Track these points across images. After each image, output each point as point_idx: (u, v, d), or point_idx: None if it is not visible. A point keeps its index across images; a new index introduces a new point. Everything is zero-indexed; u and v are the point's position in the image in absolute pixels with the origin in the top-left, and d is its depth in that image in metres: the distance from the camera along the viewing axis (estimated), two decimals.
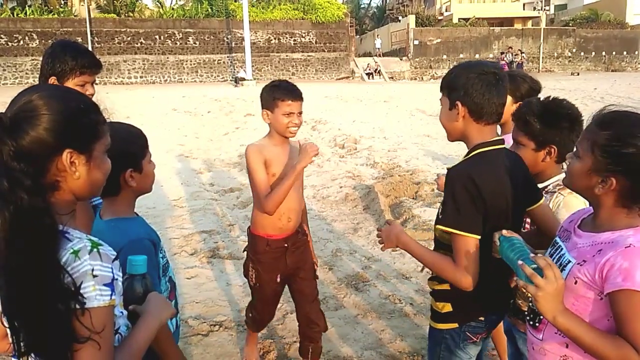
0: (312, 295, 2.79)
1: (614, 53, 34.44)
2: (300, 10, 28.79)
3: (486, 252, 1.63)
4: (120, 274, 1.17)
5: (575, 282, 1.36)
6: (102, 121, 1.26)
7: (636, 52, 35.09)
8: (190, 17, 27.85)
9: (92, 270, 1.08)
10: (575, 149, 1.43)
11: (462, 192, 1.62)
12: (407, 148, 9.64)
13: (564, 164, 2.01)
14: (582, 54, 34.24)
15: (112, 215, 1.64)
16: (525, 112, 1.98)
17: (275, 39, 28.44)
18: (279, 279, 2.70)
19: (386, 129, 11.68)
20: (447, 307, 1.80)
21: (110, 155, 1.32)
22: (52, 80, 2.21)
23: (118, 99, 16.90)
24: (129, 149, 1.59)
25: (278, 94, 2.50)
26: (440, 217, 1.75)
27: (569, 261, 1.41)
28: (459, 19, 37.37)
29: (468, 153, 1.73)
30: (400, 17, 38.55)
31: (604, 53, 34.40)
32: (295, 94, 2.52)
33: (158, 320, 1.29)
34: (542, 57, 33.30)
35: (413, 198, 6.40)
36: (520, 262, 1.32)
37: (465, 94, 1.67)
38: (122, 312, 1.21)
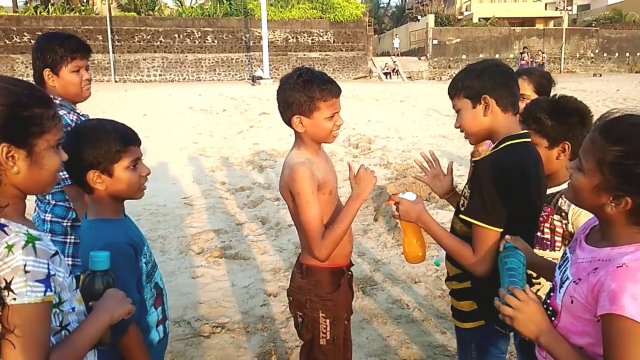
0: (351, 342, 2.19)
1: (638, 54, 33.66)
2: (318, 9, 28.74)
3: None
4: (62, 270, 1.17)
5: (572, 302, 1.27)
6: (50, 116, 1.20)
7: None
8: (209, 16, 28.01)
9: (25, 265, 1.06)
10: (578, 160, 1.29)
11: (490, 184, 1.61)
12: (421, 149, 9.45)
13: None
14: (605, 54, 33.56)
15: (95, 215, 1.60)
16: (535, 109, 1.93)
17: (293, 38, 28.44)
18: (345, 321, 2.08)
19: (401, 129, 11.54)
20: (472, 305, 1.79)
21: (72, 153, 1.36)
22: (47, 72, 2.18)
23: (135, 97, 17.06)
24: (94, 150, 1.52)
25: (317, 92, 1.85)
26: (463, 207, 1.75)
27: (568, 277, 1.32)
28: (479, 18, 36.95)
29: (497, 145, 1.70)
30: (419, 17, 38.27)
31: (627, 54, 33.66)
32: (337, 89, 1.92)
33: (109, 315, 1.28)
34: (564, 58, 32.72)
35: (426, 200, 6.27)
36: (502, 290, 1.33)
37: (492, 86, 1.67)
38: (73, 308, 1.21)
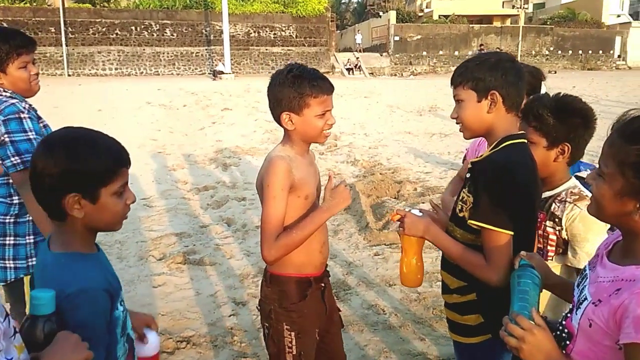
0: (343, 355, 2.11)
1: (590, 52, 34.91)
2: (280, 3, 28.37)
3: (516, 249, 1.51)
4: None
5: (590, 325, 1.13)
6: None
7: (611, 52, 35.63)
8: (168, 8, 27.19)
9: None
10: (598, 167, 1.18)
11: (496, 184, 1.51)
12: (388, 145, 9.42)
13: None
14: (560, 52, 34.61)
15: (62, 247, 1.29)
16: (537, 105, 1.79)
17: (254, 32, 27.98)
18: (317, 336, 1.94)
19: (367, 125, 11.45)
20: (478, 319, 1.66)
21: (51, 169, 1.20)
22: None
23: (90, 91, 16.34)
24: (83, 168, 1.23)
25: (307, 88, 1.74)
26: (462, 213, 1.63)
27: (586, 298, 1.17)
28: (439, 15, 37.45)
29: (496, 145, 1.59)
30: (381, 13, 38.44)
31: (580, 52, 34.83)
32: (329, 85, 1.80)
33: None
34: (521, 55, 33.52)
35: (395, 198, 6.16)
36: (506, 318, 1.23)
37: (503, 83, 1.56)
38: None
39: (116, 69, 26.30)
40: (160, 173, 7.66)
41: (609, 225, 1.77)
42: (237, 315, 3.42)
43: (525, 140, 1.63)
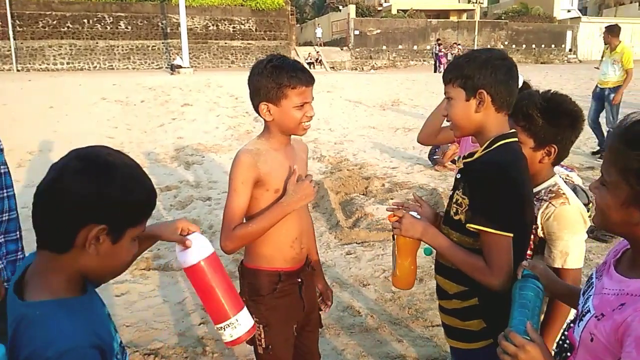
0: (317, 355, 2.11)
1: (543, 46, 35.99)
2: None
3: (517, 252, 1.49)
4: None
5: (592, 339, 1.07)
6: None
7: (563, 46, 36.85)
8: (122, 1, 26.24)
9: None
10: (600, 176, 1.13)
11: (494, 186, 1.46)
12: (353, 140, 9.36)
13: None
14: (514, 46, 35.51)
15: (42, 292, 1.04)
16: (527, 105, 1.72)
17: (213, 25, 27.41)
18: (295, 332, 1.93)
19: (331, 120, 11.35)
20: (481, 324, 1.60)
21: (85, 192, 1.01)
22: None
23: (40, 87, 15.57)
24: (119, 197, 1.05)
25: (285, 79, 1.73)
26: (458, 215, 1.57)
27: (589, 310, 1.12)
28: (397, 10, 37.74)
29: (489, 145, 1.53)
30: (340, 7, 38.40)
31: (534, 46, 35.86)
32: (308, 77, 1.78)
33: None
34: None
35: (364, 194, 6.11)
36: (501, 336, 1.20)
37: (492, 82, 1.49)
38: None
39: (68, 63, 25.25)
40: None
41: (587, 224, 1.74)
42: (208, 324, 3.26)
43: (517, 139, 1.58)
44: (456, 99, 1.55)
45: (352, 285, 3.83)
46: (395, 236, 1.66)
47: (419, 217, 1.66)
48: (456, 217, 1.58)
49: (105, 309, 1.19)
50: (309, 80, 1.78)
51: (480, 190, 1.49)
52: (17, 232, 1.89)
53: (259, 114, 1.80)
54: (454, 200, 1.60)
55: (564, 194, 1.72)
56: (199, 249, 1.34)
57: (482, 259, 1.50)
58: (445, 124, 2.46)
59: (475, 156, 1.56)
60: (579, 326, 1.15)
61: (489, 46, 34.76)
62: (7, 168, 1.90)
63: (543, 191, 1.76)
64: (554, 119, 1.70)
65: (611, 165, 1.09)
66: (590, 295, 1.15)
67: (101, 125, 10.60)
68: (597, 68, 8.37)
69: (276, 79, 1.73)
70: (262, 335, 1.83)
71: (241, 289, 1.88)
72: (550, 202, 1.71)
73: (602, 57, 7.96)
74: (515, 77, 1.55)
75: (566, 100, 1.77)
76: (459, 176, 1.62)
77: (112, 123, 10.88)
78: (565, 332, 1.23)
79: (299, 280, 1.91)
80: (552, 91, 1.79)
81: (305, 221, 1.97)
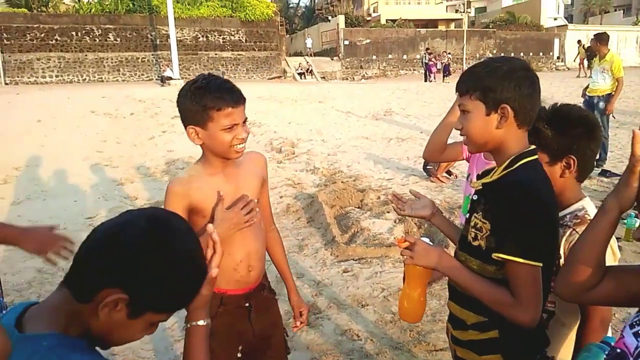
0: None
1: (531, 54, 36.24)
2: (228, 7, 27.84)
3: (544, 282, 1.36)
4: None
5: None
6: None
7: (551, 53, 37.18)
8: (110, 13, 26.10)
9: None
10: None
11: (523, 210, 1.31)
12: (346, 151, 9.26)
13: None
14: (502, 54, 35.64)
15: (51, 326, 0.95)
16: None
17: (203, 36, 27.31)
18: (240, 354, 1.85)
19: (323, 130, 11.25)
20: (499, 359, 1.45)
21: (136, 255, 0.96)
22: None
23: (28, 100, 15.34)
24: (168, 279, 0.98)
25: (210, 100, 1.64)
26: (478, 241, 1.43)
27: None
28: (386, 20, 37.92)
29: (510, 163, 1.39)
30: (329, 17, 38.53)
31: (522, 54, 36.07)
32: (235, 96, 1.68)
33: None
34: (466, 58, 34.43)
35: (359, 207, 5.98)
36: None
37: (516, 95, 1.35)
38: None
39: (57, 76, 24.99)
40: (108, 188, 7.16)
41: (617, 256, 1.62)
42: None
43: (537, 156, 1.44)
44: (474, 112, 1.41)
45: (350, 305, 3.68)
46: (405, 264, 1.53)
47: (431, 243, 1.51)
48: (475, 243, 1.44)
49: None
50: (237, 101, 1.68)
51: (507, 214, 1.34)
52: None
53: (189, 138, 1.71)
54: (473, 224, 1.46)
55: (590, 220, 1.59)
56: None
57: (508, 292, 1.35)
58: (452, 139, 2.35)
59: (495, 176, 1.42)
60: None
61: (477, 55, 35.04)
62: None
63: (568, 216, 1.63)
64: (563, 128, 1.59)
65: None
66: None
67: (90, 139, 10.42)
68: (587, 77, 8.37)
69: (200, 101, 1.64)
70: None
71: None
72: (574, 229, 1.57)
73: (589, 65, 7.96)
74: (539, 89, 1.42)
75: (574, 108, 1.67)
76: (475, 197, 1.48)
77: (101, 137, 10.70)
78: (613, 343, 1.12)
79: (247, 304, 1.84)
80: (558, 103, 1.69)
81: (252, 242, 1.83)
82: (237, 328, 1.82)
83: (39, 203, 6.49)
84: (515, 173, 1.38)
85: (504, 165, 1.40)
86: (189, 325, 1.22)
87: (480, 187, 1.47)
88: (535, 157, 1.42)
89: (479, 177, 1.54)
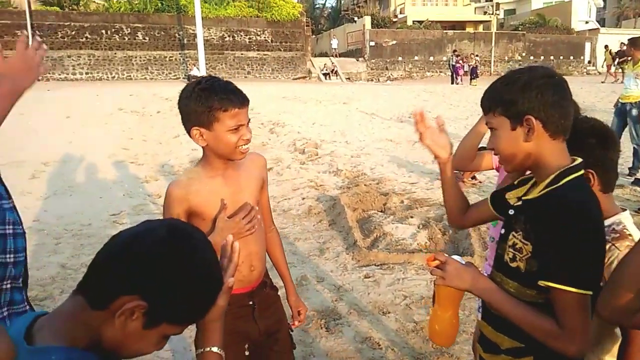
0: None
1: (561, 57, 35.52)
2: (254, 7, 28.02)
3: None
4: None
5: None
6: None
7: (582, 57, 36.34)
8: (139, 12, 26.54)
9: None
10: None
11: (573, 233, 1.20)
12: (370, 154, 9.17)
13: None
14: (532, 58, 35.08)
15: (60, 339, 0.93)
16: None
17: (229, 36, 27.54)
18: (247, 352, 1.88)
19: (347, 132, 11.17)
20: None
21: (155, 267, 0.94)
22: None
23: (58, 97, 15.67)
24: (185, 292, 0.97)
25: (216, 101, 1.65)
26: (516, 263, 1.33)
27: None
28: (413, 21, 37.62)
29: (556, 179, 1.28)
30: (355, 18, 38.40)
31: (552, 57, 35.39)
32: (241, 98, 1.70)
33: None
34: (494, 61, 33.90)
35: (381, 211, 5.90)
36: None
37: (539, 105, 1.26)
38: None
39: (87, 73, 25.54)
40: (133, 186, 7.23)
41: None
42: None
43: (583, 172, 1.33)
44: (500, 129, 1.33)
45: (371, 312, 3.61)
46: (436, 285, 1.44)
47: (463, 262, 1.42)
48: (513, 265, 1.34)
49: None
50: (242, 102, 1.69)
51: (556, 239, 1.22)
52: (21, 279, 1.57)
53: (193, 140, 1.71)
54: (511, 243, 1.36)
55: (630, 235, 1.49)
56: None
57: (554, 321, 1.25)
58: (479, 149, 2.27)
59: (537, 193, 1.31)
60: None
61: (506, 58, 34.46)
62: (12, 202, 1.58)
63: (606, 230, 1.54)
64: (577, 141, 1.44)
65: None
66: None
67: (116, 136, 10.57)
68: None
69: (206, 102, 1.65)
70: None
71: None
72: (613, 244, 1.48)
73: (622, 70, 7.70)
74: (567, 94, 1.31)
75: (584, 119, 1.57)
76: (512, 212, 1.39)
77: (128, 134, 10.84)
78: None
79: (251, 303, 1.87)
80: None
81: (253, 243, 1.85)
82: (242, 327, 1.84)
83: (65, 198, 6.59)
84: (563, 192, 1.27)
85: (547, 181, 1.29)
86: (202, 351, 1.18)
87: (519, 202, 1.37)
88: (582, 172, 1.31)
89: (513, 186, 1.45)
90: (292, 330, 2.08)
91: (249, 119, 1.75)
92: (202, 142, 1.71)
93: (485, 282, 1.38)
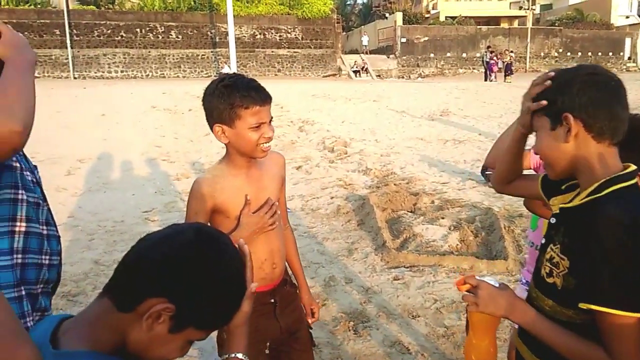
0: None
1: (599, 54, 34.40)
2: (285, 5, 28.12)
3: None
4: None
5: None
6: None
7: (621, 54, 35.10)
8: (173, 10, 27.00)
9: None
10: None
11: (621, 251, 1.08)
12: (400, 152, 9.06)
13: None
14: (569, 54, 34.12)
15: (86, 343, 0.93)
16: None
17: (260, 34, 27.73)
18: (267, 350, 1.87)
19: (377, 131, 11.08)
20: None
21: (185, 271, 0.93)
22: None
23: (94, 95, 16.07)
24: (211, 294, 0.96)
25: (238, 99, 1.64)
26: (552, 279, 1.23)
27: None
28: (445, 17, 37.05)
29: (600, 188, 1.16)
30: (387, 14, 38.06)
31: (590, 53, 34.32)
32: (263, 95, 1.69)
33: None
34: (530, 57, 33.08)
35: (411, 211, 5.81)
36: None
37: (580, 102, 1.15)
38: None
39: (122, 71, 26.16)
40: (164, 183, 7.34)
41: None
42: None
43: (636, 180, 1.19)
44: (541, 129, 1.24)
45: (401, 316, 3.55)
46: (469, 311, 1.32)
47: (497, 284, 1.29)
48: (549, 280, 1.24)
49: None
50: (264, 99, 1.68)
51: (598, 256, 1.10)
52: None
53: (215, 137, 1.72)
54: (548, 257, 1.25)
55: None
56: None
57: (599, 348, 1.14)
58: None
59: (577, 201, 1.21)
60: None
61: (542, 54, 33.56)
62: (47, 204, 1.52)
63: None
64: (630, 143, 1.26)
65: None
66: None
67: (149, 133, 10.76)
68: None
69: (228, 99, 1.65)
70: None
71: None
72: None
73: None
74: (616, 94, 1.17)
75: (634, 117, 1.40)
76: (554, 221, 1.28)
77: (160, 132, 11.03)
78: None
79: (272, 300, 1.87)
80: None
81: (275, 241, 1.86)
82: (264, 325, 1.83)
83: (99, 195, 6.74)
84: (605, 204, 1.15)
85: (589, 190, 1.18)
86: (227, 357, 1.16)
87: (558, 210, 1.27)
88: (634, 181, 1.18)
89: (560, 191, 1.32)
90: (312, 328, 2.06)
91: (272, 117, 1.73)
92: (224, 139, 1.71)
93: (523, 308, 1.26)
